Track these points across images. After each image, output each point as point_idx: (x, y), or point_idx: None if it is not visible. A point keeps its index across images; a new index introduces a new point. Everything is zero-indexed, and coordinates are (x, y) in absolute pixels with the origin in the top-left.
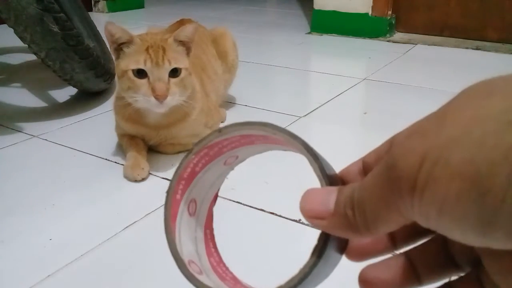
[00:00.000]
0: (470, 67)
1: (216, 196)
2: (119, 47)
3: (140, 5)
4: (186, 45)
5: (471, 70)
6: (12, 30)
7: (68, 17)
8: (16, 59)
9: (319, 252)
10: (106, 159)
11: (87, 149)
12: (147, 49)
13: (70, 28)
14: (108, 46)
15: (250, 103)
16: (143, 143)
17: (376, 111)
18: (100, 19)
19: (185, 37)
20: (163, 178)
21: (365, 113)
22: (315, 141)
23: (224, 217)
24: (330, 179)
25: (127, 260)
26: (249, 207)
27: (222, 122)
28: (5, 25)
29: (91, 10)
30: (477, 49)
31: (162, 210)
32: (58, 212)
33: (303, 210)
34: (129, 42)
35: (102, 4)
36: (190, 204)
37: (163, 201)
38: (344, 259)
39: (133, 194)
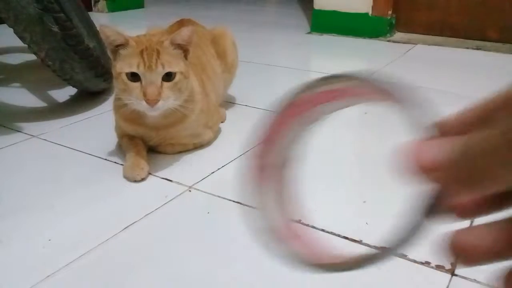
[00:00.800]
0: (470, 67)
1: (299, 158)
2: (116, 49)
3: (140, 5)
4: (183, 48)
5: (471, 70)
6: (12, 30)
7: (67, 17)
8: (15, 59)
9: (426, 210)
10: (105, 159)
11: (87, 149)
12: (141, 52)
13: (70, 28)
14: None
15: (250, 103)
16: (142, 144)
17: (376, 111)
18: (100, 19)
19: (182, 41)
20: (163, 178)
21: (365, 113)
22: (315, 141)
23: (224, 218)
24: (435, 128)
25: (127, 260)
26: (249, 207)
27: (222, 122)
28: (4, 25)
29: (91, 10)
30: (477, 49)
31: (162, 210)
32: (58, 212)
33: (415, 161)
34: (124, 44)
35: (102, 4)
36: (270, 168)
37: (163, 201)
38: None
39: (133, 194)
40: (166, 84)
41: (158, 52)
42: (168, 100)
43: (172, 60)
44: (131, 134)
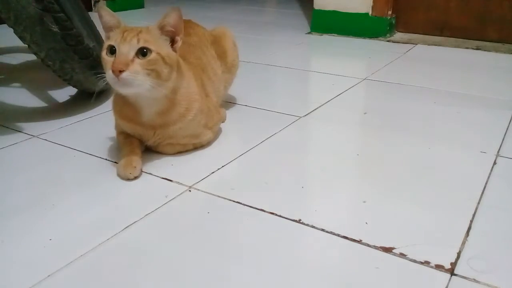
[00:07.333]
0: (470, 67)
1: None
2: (108, 34)
3: (140, 5)
4: (171, 35)
5: (471, 70)
6: (12, 30)
7: (68, 17)
8: (16, 59)
9: None
10: (106, 159)
11: (87, 149)
12: (123, 31)
13: (70, 28)
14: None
15: (250, 103)
16: (137, 142)
17: (376, 111)
18: None
19: (169, 25)
20: (162, 178)
21: (365, 113)
22: (315, 141)
23: (224, 218)
24: None
25: (127, 260)
26: (249, 207)
27: (222, 122)
28: (5, 25)
29: (91, 10)
30: (477, 49)
31: (162, 210)
32: (58, 212)
33: None
34: (116, 26)
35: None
36: None
37: (163, 201)
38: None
39: (133, 194)
40: (138, 59)
41: (140, 32)
42: (137, 75)
43: (152, 40)
44: (129, 132)
